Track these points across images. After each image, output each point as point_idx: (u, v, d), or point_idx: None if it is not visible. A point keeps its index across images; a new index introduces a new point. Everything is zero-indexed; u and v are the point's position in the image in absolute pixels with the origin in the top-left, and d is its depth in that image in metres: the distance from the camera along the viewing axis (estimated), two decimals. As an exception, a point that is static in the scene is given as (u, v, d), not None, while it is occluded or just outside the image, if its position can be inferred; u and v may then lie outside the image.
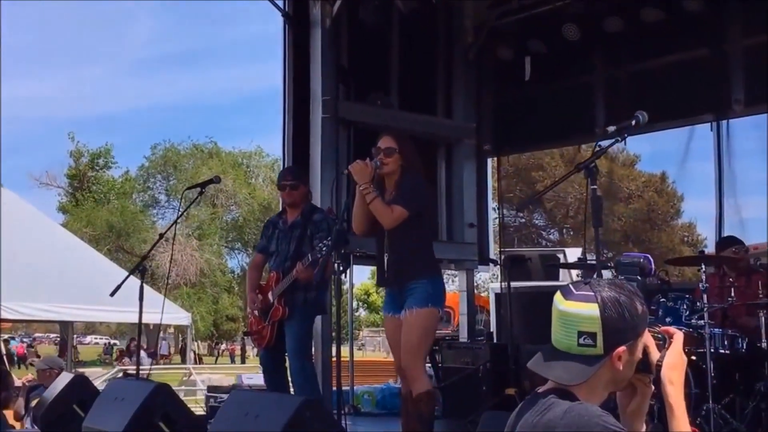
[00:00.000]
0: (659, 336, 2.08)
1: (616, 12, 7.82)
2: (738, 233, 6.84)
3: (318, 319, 5.94)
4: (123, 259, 30.42)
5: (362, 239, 5.24)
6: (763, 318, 5.32)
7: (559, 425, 1.86)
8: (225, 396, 5.98)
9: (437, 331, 5.52)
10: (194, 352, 32.34)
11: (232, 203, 37.25)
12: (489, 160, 9.31)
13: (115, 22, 65.93)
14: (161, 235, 6.42)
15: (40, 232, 14.81)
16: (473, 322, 8.86)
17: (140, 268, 6.17)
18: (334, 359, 5.40)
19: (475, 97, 8.61)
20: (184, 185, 28.52)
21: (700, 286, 5.21)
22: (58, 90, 72.24)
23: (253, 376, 9.96)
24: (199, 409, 7.96)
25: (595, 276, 3.77)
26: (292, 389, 5.57)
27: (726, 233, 7.30)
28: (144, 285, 6.02)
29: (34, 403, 6.73)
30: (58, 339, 38.05)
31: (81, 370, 17.17)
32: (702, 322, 5.15)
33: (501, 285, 8.54)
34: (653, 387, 2.04)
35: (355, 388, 7.92)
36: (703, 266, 5.26)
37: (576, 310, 1.95)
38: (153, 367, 14.38)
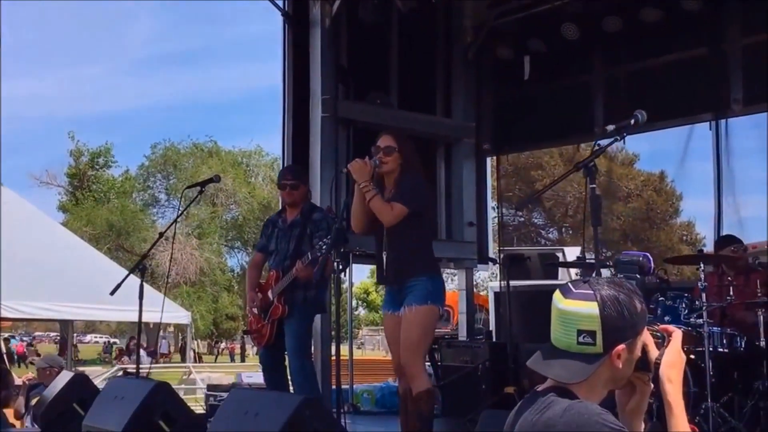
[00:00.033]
0: (658, 334, 2.09)
1: (616, 11, 7.82)
2: (737, 232, 6.85)
3: (317, 317, 5.95)
4: (123, 258, 30.43)
5: (362, 238, 5.25)
6: (761, 316, 5.33)
7: (559, 423, 1.86)
8: (225, 395, 5.99)
9: (436, 330, 5.53)
10: (194, 351, 32.35)
11: (231, 202, 37.26)
12: (488, 159, 9.31)
13: (116, 21, 66.11)
14: (161, 234, 6.42)
15: (40, 231, 14.82)
16: (472, 321, 8.86)
17: (140, 267, 6.17)
18: (334, 358, 5.42)
19: (474, 96, 8.62)
20: (183, 184, 28.48)
21: (699, 284, 5.21)
22: (58, 89, 72.37)
23: (253, 374, 9.98)
24: (198, 408, 7.96)
25: (594, 275, 3.78)
26: (291, 388, 5.57)
27: (725, 232, 7.30)
28: (144, 284, 6.02)
29: (34, 401, 6.74)
30: (58, 338, 38.12)
31: (81, 368, 17.14)
32: (701, 320, 5.15)
33: (500, 284, 8.53)
34: (652, 385, 2.05)
35: (354, 386, 7.92)
36: (701, 265, 5.26)
37: (575, 309, 1.95)
38: (153, 365, 14.41)
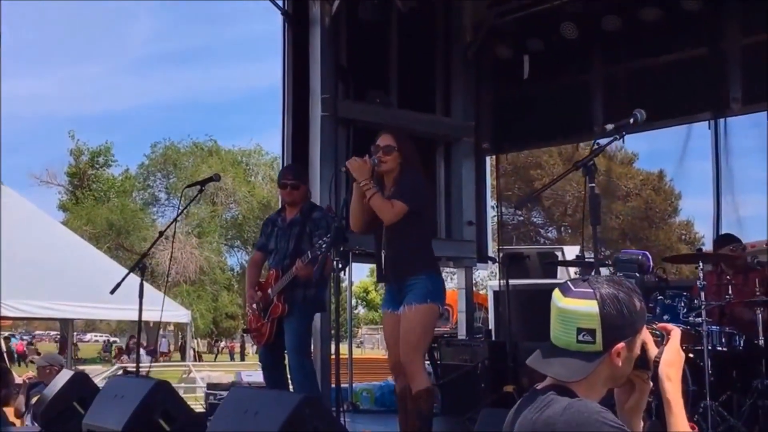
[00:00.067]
0: (657, 333, 2.09)
1: (615, 11, 7.83)
2: (736, 231, 6.85)
3: (317, 316, 5.95)
4: (123, 257, 30.41)
5: (361, 237, 5.25)
6: (760, 315, 5.34)
7: (559, 422, 1.86)
8: (224, 393, 6.00)
9: (436, 329, 5.53)
10: (194, 350, 32.34)
11: (231, 201, 37.25)
12: (488, 159, 9.31)
13: (116, 21, 66.06)
14: (161, 233, 6.43)
15: (41, 230, 14.81)
16: (472, 320, 8.86)
17: (140, 266, 6.18)
18: (333, 356, 5.42)
19: (473, 95, 8.62)
20: (183, 183, 28.55)
21: (698, 283, 5.22)
22: (58, 88, 72.33)
23: (253, 373, 9.99)
24: (198, 407, 7.98)
25: (593, 273, 3.79)
26: (291, 386, 5.58)
27: (723, 231, 7.30)
28: (144, 283, 6.03)
29: (34, 400, 6.73)
30: (58, 336, 38.13)
31: (81, 367, 17.15)
32: (699, 319, 5.16)
33: (499, 283, 8.52)
34: (651, 383, 2.05)
35: (353, 385, 7.93)
36: (700, 264, 5.27)
37: (575, 307, 1.96)
38: (153, 364, 14.38)
